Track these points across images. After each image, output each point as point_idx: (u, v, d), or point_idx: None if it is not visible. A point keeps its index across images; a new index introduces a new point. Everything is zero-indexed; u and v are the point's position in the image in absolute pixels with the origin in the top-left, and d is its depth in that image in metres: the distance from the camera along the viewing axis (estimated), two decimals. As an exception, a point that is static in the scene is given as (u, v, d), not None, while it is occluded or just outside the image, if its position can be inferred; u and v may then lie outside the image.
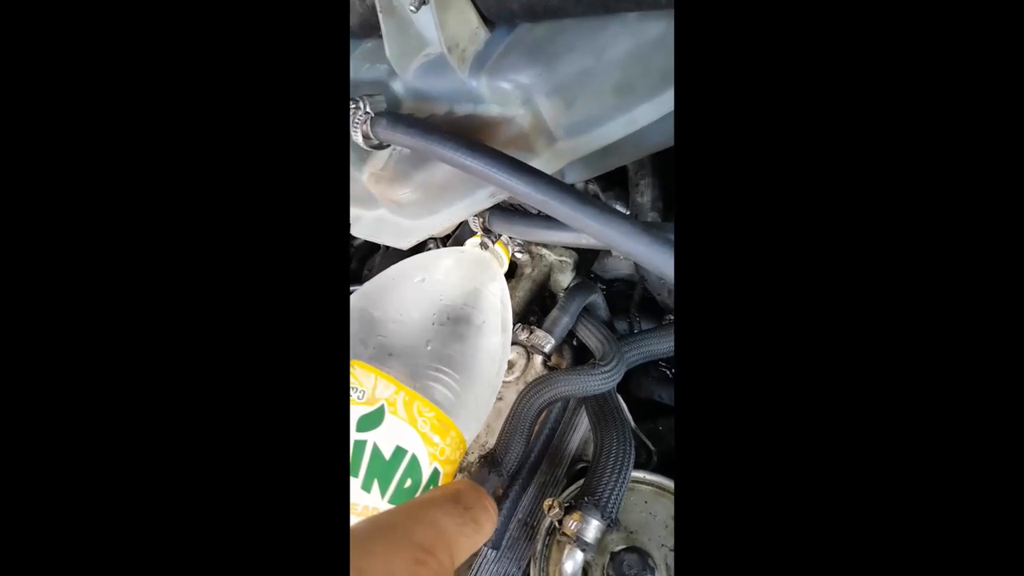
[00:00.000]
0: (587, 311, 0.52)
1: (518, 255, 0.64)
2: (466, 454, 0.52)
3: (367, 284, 0.49)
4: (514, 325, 0.56)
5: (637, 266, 0.61)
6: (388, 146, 0.45)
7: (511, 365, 0.55)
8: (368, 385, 0.41)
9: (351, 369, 0.41)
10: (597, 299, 0.54)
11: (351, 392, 0.40)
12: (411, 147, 0.41)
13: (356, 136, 0.44)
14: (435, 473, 0.42)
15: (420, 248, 0.64)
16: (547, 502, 0.39)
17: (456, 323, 0.45)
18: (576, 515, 0.38)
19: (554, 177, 0.38)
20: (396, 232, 0.49)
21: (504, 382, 0.55)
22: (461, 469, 0.50)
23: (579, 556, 0.38)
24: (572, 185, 0.38)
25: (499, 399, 0.54)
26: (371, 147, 0.44)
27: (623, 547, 0.40)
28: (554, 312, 0.51)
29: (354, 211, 0.52)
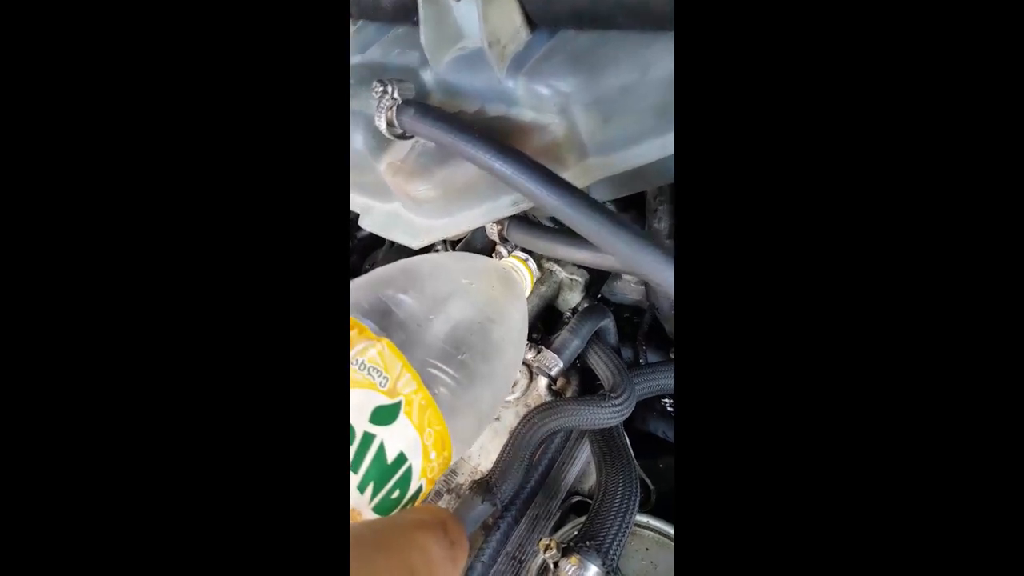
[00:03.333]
0: (597, 336, 0.49)
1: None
2: (455, 474, 0.49)
3: (405, 262, 0.45)
4: (518, 342, 0.53)
5: (648, 293, 0.58)
6: (411, 137, 0.42)
7: (512, 385, 0.52)
8: (393, 373, 0.36)
9: (378, 346, 0.37)
10: (609, 324, 0.51)
11: (373, 374, 0.36)
12: (437, 141, 0.38)
13: (380, 122, 0.41)
14: (419, 490, 0.39)
15: (427, 249, 0.61)
16: (543, 541, 0.36)
17: (480, 334, 0.42)
18: (575, 559, 0.35)
19: (586, 193, 0.35)
20: (408, 229, 0.46)
21: (504, 401, 0.52)
22: (449, 490, 0.47)
23: (573, 605, 0.35)
24: (604, 204, 0.35)
25: (496, 419, 0.51)
26: (394, 135, 0.41)
27: None
28: (564, 333, 0.48)
29: (366, 201, 0.49)
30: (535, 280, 0.58)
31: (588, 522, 0.37)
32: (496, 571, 0.42)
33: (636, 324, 0.63)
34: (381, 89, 0.39)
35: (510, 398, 0.51)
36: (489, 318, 0.45)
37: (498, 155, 0.36)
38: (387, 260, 0.70)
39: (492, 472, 0.41)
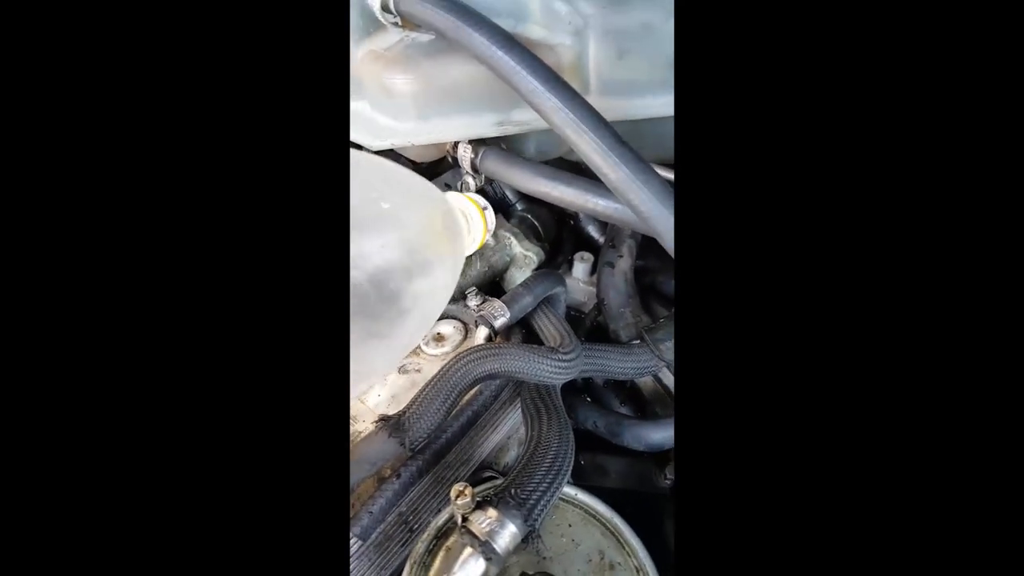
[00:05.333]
0: (548, 301, 0.45)
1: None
2: (354, 421, 0.41)
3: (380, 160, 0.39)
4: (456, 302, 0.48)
5: (599, 287, 0.56)
6: (401, 28, 0.38)
7: (442, 338, 0.46)
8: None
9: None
10: (561, 293, 0.48)
11: None
12: (438, 28, 0.34)
13: (373, 1, 0.36)
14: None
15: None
16: (456, 487, 0.29)
17: (398, 278, 0.37)
18: (492, 512, 0.29)
19: (594, 109, 0.33)
20: (369, 129, 0.40)
21: (429, 355, 0.46)
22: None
23: (480, 567, 0.28)
24: (610, 124, 0.32)
25: (417, 371, 0.45)
26: (388, 21, 0.37)
27: (535, 572, 0.31)
28: (517, 288, 0.43)
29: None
30: (484, 241, 0.54)
31: (513, 476, 0.31)
32: (382, 531, 0.34)
33: (579, 323, 0.59)
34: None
35: (437, 351, 0.45)
36: (415, 261, 0.40)
37: (505, 45, 0.32)
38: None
39: (406, 409, 0.35)
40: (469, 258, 0.55)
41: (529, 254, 0.57)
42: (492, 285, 0.59)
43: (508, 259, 0.58)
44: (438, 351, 0.46)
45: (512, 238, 0.57)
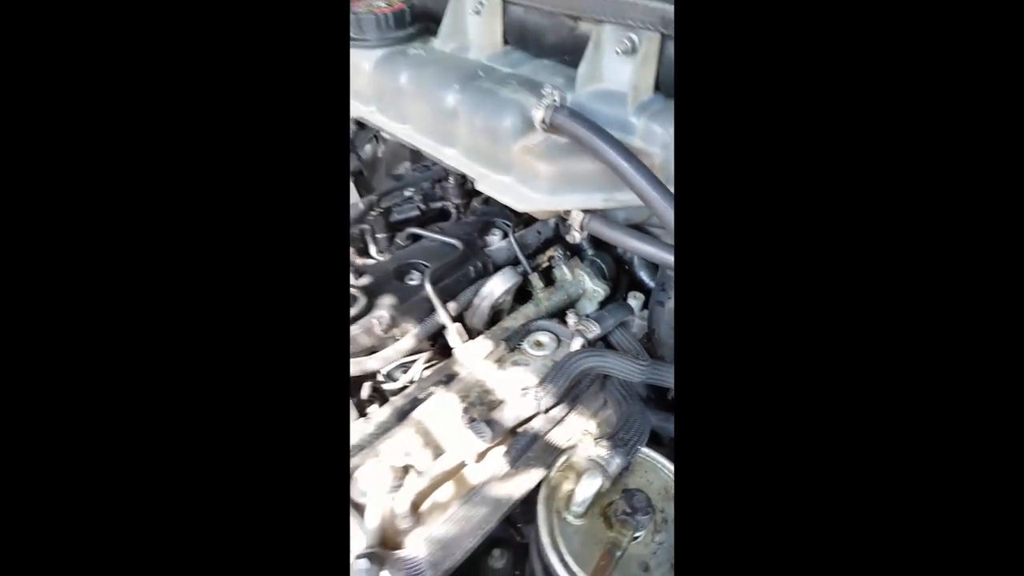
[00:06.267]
0: (623, 325, 0.64)
1: (564, 268, 0.75)
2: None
3: None
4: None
5: (649, 325, 0.74)
6: (551, 131, 0.58)
7: (540, 345, 0.64)
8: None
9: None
10: (633, 321, 0.66)
11: None
12: (578, 138, 0.54)
13: (537, 113, 0.56)
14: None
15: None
16: (583, 429, 0.47)
17: None
18: (607, 444, 0.46)
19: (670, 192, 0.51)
20: (516, 196, 0.59)
21: (532, 355, 0.63)
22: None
23: (597, 482, 0.45)
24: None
25: (526, 364, 0.62)
26: (542, 128, 0.56)
27: (634, 488, 0.48)
28: (602, 312, 0.62)
29: (483, 171, 0.62)
30: (562, 278, 0.73)
31: (616, 431, 0.48)
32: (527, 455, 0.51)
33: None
34: (551, 90, 0.54)
35: (539, 353, 0.63)
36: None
37: (623, 154, 0.52)
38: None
39: (540, 383, 0.52)
40: (552, 291, 0.74)
41: (598, 289, 0.75)
42: (561, 311, 0.77)
43: (581, 292, 0.76)
44: (539, 353, 0.63)
45: (585, 276, 0.75)
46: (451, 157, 0.67)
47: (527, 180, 0.59)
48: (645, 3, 0.55)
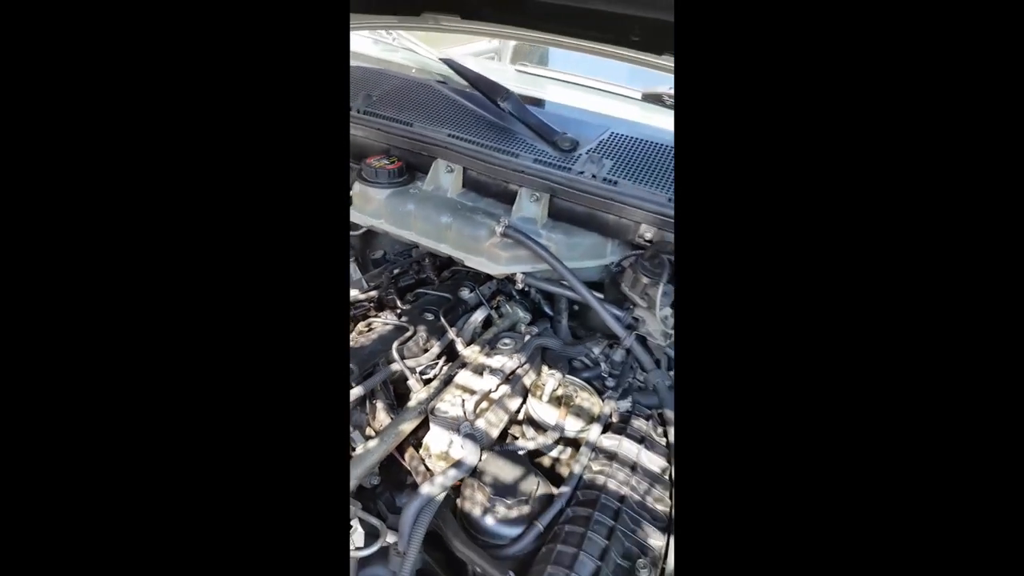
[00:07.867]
0: (545, 329, 1.25)
1: (507, 306, 1.36)
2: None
3: None
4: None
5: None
6: (504, 237, 1.19)
7: (506, 344, 1.23)
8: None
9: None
10: (548, 328, 1.28)
11: None
12: (520, 241, 1.16)
13: (498, 229, 1.17)
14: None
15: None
16: (534, 379, 1.06)
17: None
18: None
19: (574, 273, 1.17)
20: (486, 267, 1.19)
21: (503, 350, 1.21)
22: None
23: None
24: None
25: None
26: (500, 235, 1.18)
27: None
28: (531, 326, 1.23)
29: (464, 254, 1.21)
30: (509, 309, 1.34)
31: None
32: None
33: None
34: (503, 218, 1.16)
35: (507, 348, 1.21)
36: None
37: (543, 249, 1.16)
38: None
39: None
40: (503, 317, 1.33)
41: (527, 315, 1.36)
42: (513, 327, 1.36)
43: (518, 317, 1.36)
44: (506, 348, 1.21)
45: (519, 308, 1.36)
46: (444, 249, 1.24)
47: (492, 259, 1.20)
48: (541, 180, 1.20)
